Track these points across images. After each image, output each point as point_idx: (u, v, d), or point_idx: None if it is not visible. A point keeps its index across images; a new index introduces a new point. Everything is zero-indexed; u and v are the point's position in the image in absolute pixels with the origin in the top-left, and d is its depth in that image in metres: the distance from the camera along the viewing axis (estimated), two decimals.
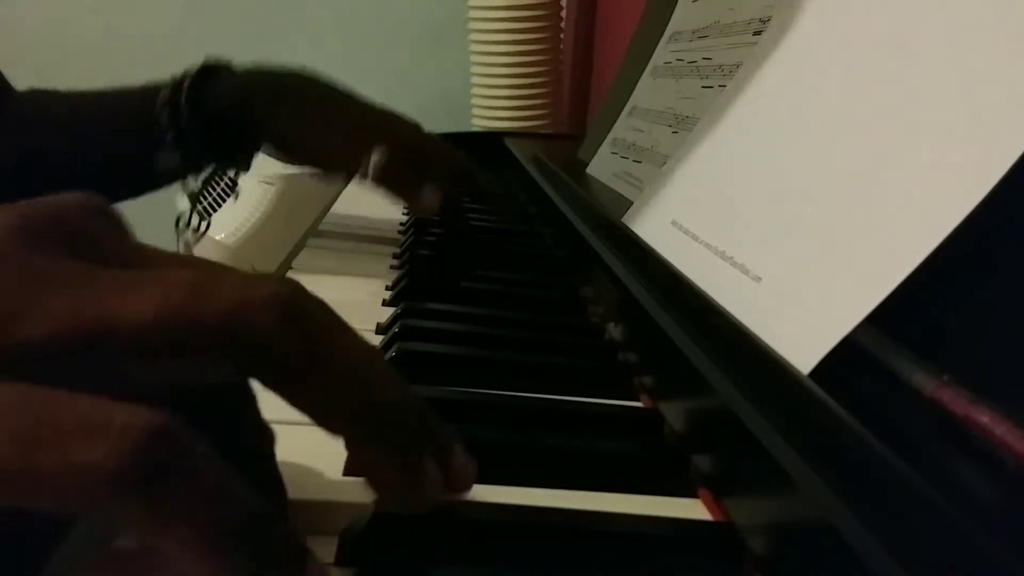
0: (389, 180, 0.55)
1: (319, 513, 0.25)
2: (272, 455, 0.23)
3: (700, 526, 0.27)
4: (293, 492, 0.23)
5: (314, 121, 0.56)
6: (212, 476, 0.16)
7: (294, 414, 0.20)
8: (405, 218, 0.71)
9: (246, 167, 0.60)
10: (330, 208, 0.71)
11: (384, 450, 0.21)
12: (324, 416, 0.20)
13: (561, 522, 0.26)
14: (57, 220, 0.18)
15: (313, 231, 0.64)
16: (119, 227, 0.20)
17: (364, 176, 0.55)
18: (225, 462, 0.16)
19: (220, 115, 0.56)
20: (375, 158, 0.54)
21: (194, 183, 0.63)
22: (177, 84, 0.56)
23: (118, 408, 0.15)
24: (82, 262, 0.17)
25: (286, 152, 0.58)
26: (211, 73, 0.58)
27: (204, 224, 0.72)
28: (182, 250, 0.80)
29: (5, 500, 0.14)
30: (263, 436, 0.22)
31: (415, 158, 0.56)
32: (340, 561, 0.24)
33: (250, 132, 0.57)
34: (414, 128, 0.59)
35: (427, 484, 0.22)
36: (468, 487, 0.24)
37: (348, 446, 0.21)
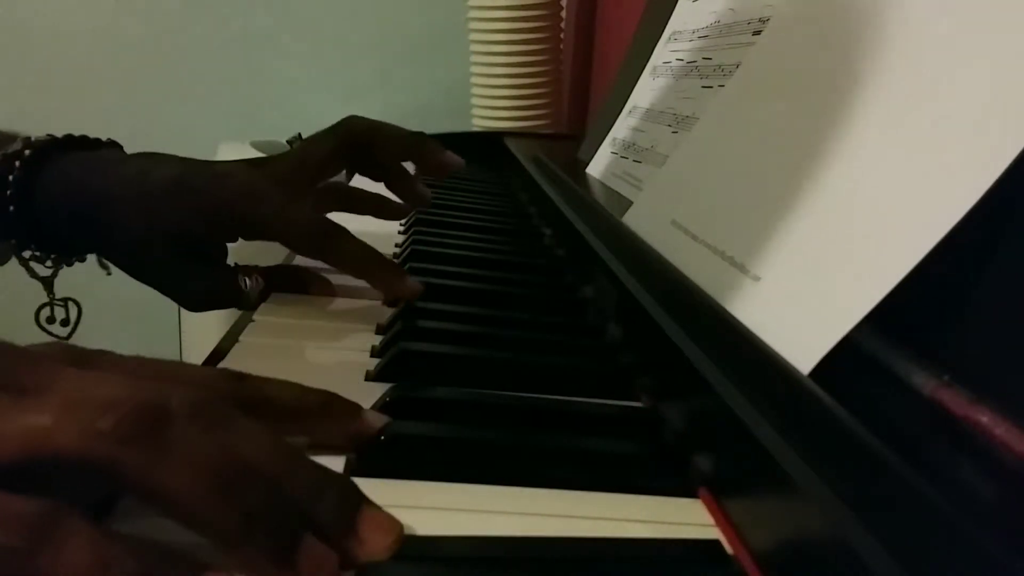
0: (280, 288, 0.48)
1: None
2: None
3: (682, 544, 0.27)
4: None
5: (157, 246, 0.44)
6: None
7: None
8: (402, 227, 0.70)
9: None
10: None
11: (253, 550, 0.21)
12: (187, 523, 0.21)
13: (548, 552, 0.26)
14: None
15: None
16: (24, 355, 0.23)
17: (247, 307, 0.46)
18: None
19: (50, 213, 0.45)
20: (251, 285, 0.46)
21: (45, 268, 0.49)
22: (8, 162, 0.45)
23: None
24: None
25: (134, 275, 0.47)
26: (50, 155, 0.46)
27: (74, 309, 0.53)
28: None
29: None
30: None
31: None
32: None
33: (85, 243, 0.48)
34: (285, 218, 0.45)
35: (308, 571, 0.21)
36: (383, 548, 0.23)
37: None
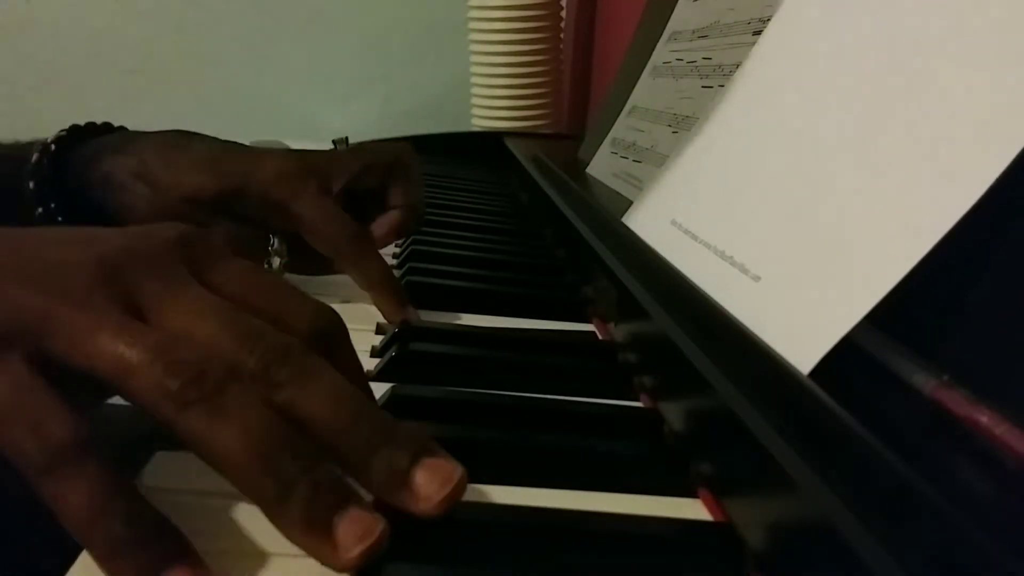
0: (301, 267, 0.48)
1: None
2: None
3: (700, 526, 0.27)
4: None
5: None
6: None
7: None
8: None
9: None
10: None
11: (288, 517, 0.22)
12: (232, 483, 0.22)
13: (560, 523, 0.26)
14: (121, 266, 0.25)
15: None
16: (165, 270, 0.25)
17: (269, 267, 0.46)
18: None
19: (86, 193, 0.45)
20: (277, 248, 0.46)
21: None
22: (46, 148, 0.45)
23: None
24: (115, 310, 0.24)
25: None
26: (82, 138, 0.47)
27: None
28: None
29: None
30: None
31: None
32: None
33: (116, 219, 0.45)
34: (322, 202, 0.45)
35: (344, 548, 0.22)
36: (436, 504, 0.24)
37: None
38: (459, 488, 0.24)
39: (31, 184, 0.44)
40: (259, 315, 0.26)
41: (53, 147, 0.45)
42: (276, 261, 0.46)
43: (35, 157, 0.45)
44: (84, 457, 0.21)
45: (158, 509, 0.22)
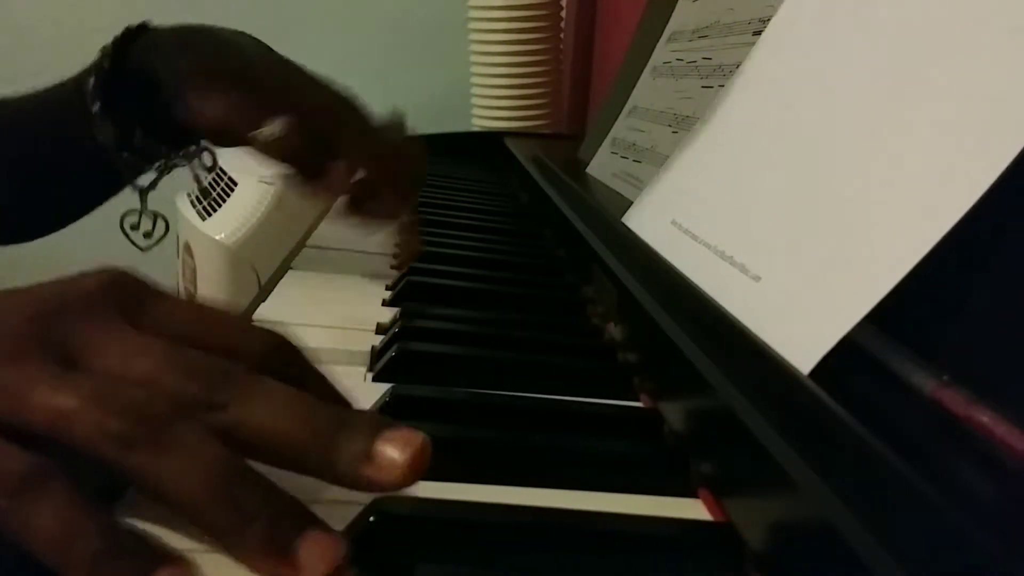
0: (289, 157, 0.48)
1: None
2: None
3: (700, 526, 0.27)
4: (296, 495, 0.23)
5: (202, 76, 0.50)
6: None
7: None
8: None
9: (192, 150, 0.52)
10: (330, 209, 0.71)
11: (244, 546, 0.22)
12: (183, 516, 0.22)
13: (560, 522, 0.26)
14: (46, 322, 0.24)
15: (313, 231, 0.64)
16: (96, 320, 0.24)
17: (259, 151, 0.47)
18: None
19: (138, 78, 0.50)
20: (274, 129, 0.47)
21: (143, 179, 0.54)
22: (105, 49, 0.50)
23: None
24: (47, 363, 0.23)
25: (177, 119, 0.49)
26: (138, 34, 0.52)
27: (161, 225, 0.55)
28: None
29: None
30: None
31: (327, 134, 0.49)
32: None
33: (160, 97, 0.50)
34: (339, 102, 0.53)
35: (307, 570, 0.21)
36: (398, 477, 0.23)
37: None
38: (422, 452, 0.23)
39: (91, 81, 0.49)
40: (202, 348, 0.25)
41: (115, 41, 0.50)
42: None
43: (98, 57, 0.50)
44: (43, 483, 0.21)
45: (131, 523, 0.22)
